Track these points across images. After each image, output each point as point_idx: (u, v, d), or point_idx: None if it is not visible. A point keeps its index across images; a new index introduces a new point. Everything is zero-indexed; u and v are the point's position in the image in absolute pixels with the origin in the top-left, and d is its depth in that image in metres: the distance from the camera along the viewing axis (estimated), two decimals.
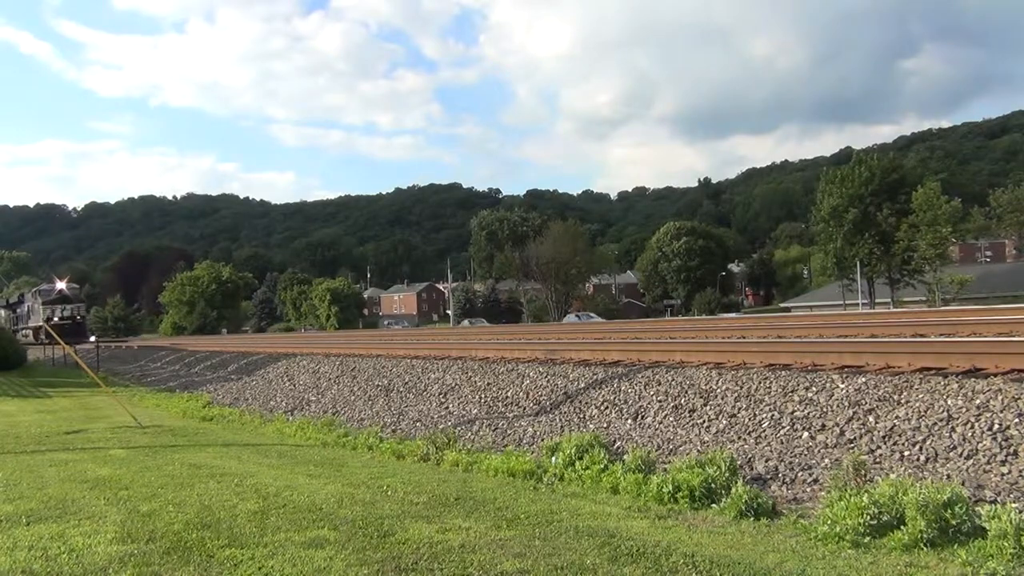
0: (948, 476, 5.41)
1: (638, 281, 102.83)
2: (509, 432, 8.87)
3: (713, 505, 5.35)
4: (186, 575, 4.10)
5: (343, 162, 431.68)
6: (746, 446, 6.93)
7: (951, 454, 5.75)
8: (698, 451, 6.75)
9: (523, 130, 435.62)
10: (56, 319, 46.79)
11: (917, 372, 7.15)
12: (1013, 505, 4.41)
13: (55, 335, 39.27)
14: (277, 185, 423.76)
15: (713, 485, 5.51)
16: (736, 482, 5.51)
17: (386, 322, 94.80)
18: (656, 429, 8.01)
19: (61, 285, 51.16)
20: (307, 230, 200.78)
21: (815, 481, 5.76)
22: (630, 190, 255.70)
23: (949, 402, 6.32)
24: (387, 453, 8.53)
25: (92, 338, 42.81)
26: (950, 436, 5.92)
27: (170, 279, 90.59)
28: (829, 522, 4.54)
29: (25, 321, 56.10)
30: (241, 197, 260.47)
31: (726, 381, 8.29)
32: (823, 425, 6.81)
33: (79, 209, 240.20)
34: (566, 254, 79.57)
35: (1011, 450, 5.50)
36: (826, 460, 6.15)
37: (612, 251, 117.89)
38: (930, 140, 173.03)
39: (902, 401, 6.61)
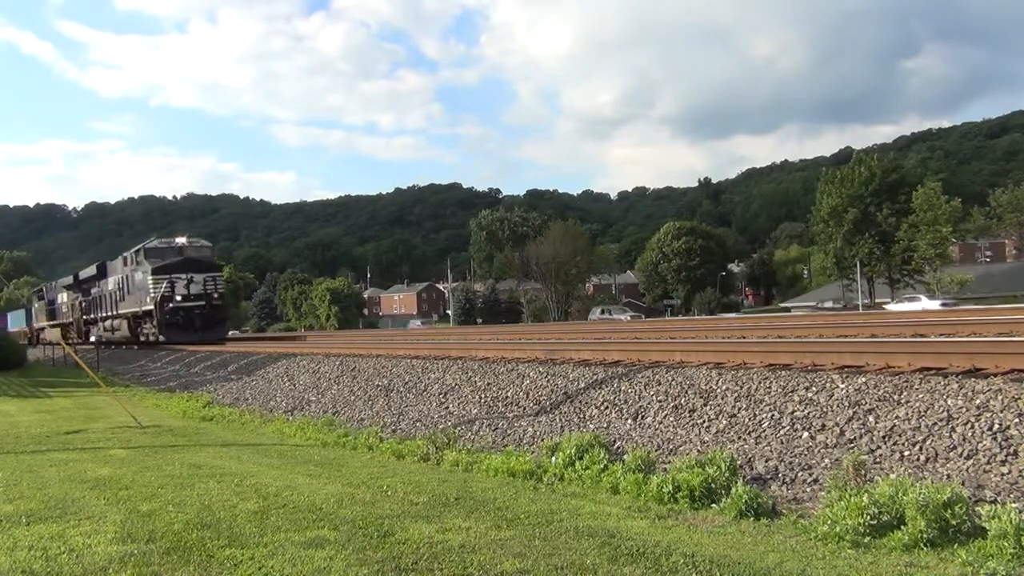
0: (948, 476, 5.41)
1: (638, 281, 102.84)
2: (509, 432, 8.86)
3: (713, 505, 5.35)
4: (186, 575, 4.10)
5: (344, 162, 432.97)
6: (746, 446, 6.92)
7: (951, 454, 5.75)
8: (698, 451, 6.74)
9: (524, 130, 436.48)
10: (179, 298, 28.50)
11: (917, 372, 7.14)
12: (1013, 505, 4.41)
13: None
14: (278, 185, 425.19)
15: (713, 485, 5.51)
16: (736, 482, 5.50)
17: (410, 323, 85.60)
18: (656, 429, 8.01)
19: (182, 240, 31.28)
20: (307, 230, 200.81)
21: (815, 481, 5.76)
22: (630, 190, 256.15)
23: (949, 402, 6.31)
24: (387, 453, 8.52)
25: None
26: (950, 436, 5.92)
27: None
28: (829, 522, 4.54)
29: (111, 306, 34.30)
30: (241, 197, 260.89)
31: (726, 381, 8.29)
32: (823, 425, 6.81)
33: (79, 209, 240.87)
34: (566, 254, 79.57)
35: (1011, 450, 5.50)
36: (826, 460, 6.14)
37: (612, 251, 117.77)
38: (930, 140, 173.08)
39: (902, 401, 6.61)
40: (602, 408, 9.00)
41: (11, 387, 21.63)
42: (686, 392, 8.45)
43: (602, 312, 61.38)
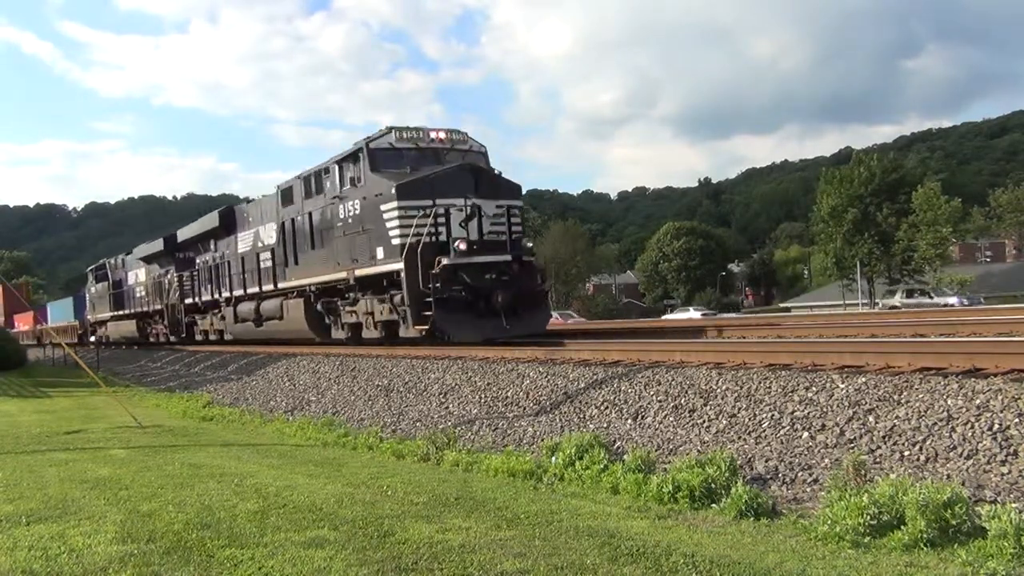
0: (948, 476, 5.41)
1: (638, 281, 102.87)
2: (509, 432, 8.87)
3: (713, 505, 5.35)
4: (186, 575, 4.10)
5: None
6: (746, 446, 6.92)
7: (951, 454, 5.75)
8: (698, 451, 6.74)
9: (524, 130, 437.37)
10: (461, 247, 13.09)
11: (917, 372, 7.14)
12: (1013, 505, 4.41)
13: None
14: None
15: (713, 485, 5.51)
16: (736, 482, 5.50)
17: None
18: (656, 429, 8.01)
19: (440, 134, 14.69)
20: None
21: (815, 481, 5.76)
22: (630, 190, 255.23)
23: (949, 402, 6.31)
24: (387, 453, 8.53)
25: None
26: (950, 436, 5.92)
27: None
28: (829, 522, 4.54)
29: (259, 277, 19.19)
30: (242, 197, 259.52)
31: (726, 381, 8.28)
32: (823, 425, 6.81)
33: (79, 209, 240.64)
34: (566, 254, 79.62)
35: (1011, 450, 5.50)
36: (826, 460, 6.14)
37: (612, 251, 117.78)
38: (930, 140, 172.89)
39: (902, 401, 6.61)
40: (602, 408, 9.00)
41: (11, 387, 21.64)
42: (686, 392, 8.44)
43: (907, 295, 36.26)
